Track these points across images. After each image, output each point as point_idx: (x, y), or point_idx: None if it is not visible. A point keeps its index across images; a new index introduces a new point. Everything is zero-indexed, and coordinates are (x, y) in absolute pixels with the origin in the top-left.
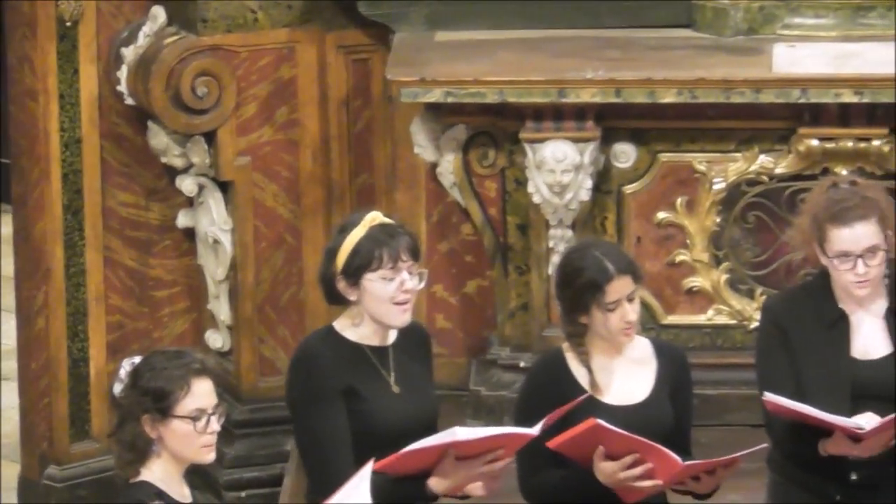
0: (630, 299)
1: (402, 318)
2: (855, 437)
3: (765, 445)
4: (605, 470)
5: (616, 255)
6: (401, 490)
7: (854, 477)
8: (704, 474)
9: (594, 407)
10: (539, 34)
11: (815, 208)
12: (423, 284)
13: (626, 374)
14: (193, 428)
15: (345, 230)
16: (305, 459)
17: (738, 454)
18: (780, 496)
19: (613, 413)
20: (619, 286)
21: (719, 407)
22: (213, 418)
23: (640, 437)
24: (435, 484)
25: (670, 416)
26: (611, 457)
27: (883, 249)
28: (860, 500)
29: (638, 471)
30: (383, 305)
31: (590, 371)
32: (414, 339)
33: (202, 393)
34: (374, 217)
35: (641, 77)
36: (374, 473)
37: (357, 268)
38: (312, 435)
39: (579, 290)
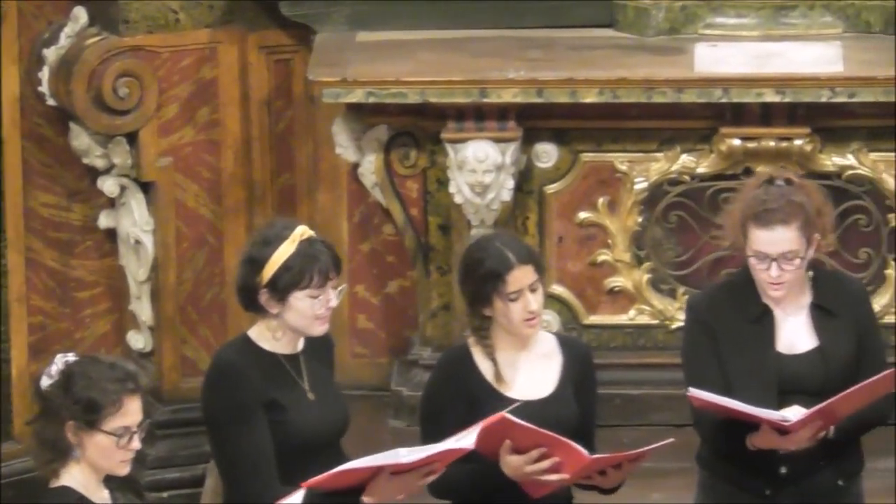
0: (533, 289)
1: (322, 328)
2: (782, 429)
3: (671, 440)
4: (512, 464)
5: (517, 245)
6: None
7: (783, 471)
8: (610, 469)
9: (499, 401)
10: (460, 34)
11: (744, 203)
12: (341, 297)
13: (531, 369)
14: (116, 444)
15: (270, 243)
16: (228, 475)
17: (644, 449)
18: (711, 492)
19: (519, 407)
20: (521, 275)
21: (642, 406)
22: (136, 436)
23: (547, 432)
24: (368, 500)
25: (575, 411)
26: (518, 451)
27: (800, 256)
28: (790, 495)
29: (545, 464)
30: (305, 320)
31: (495, 364)
32: (319, 344)
33: (131, 411)
34: (303, 232)
35: (563, 77)
36: (306, 490)
37: (286, 285)
38: (237, 451)
39: (480, 280)
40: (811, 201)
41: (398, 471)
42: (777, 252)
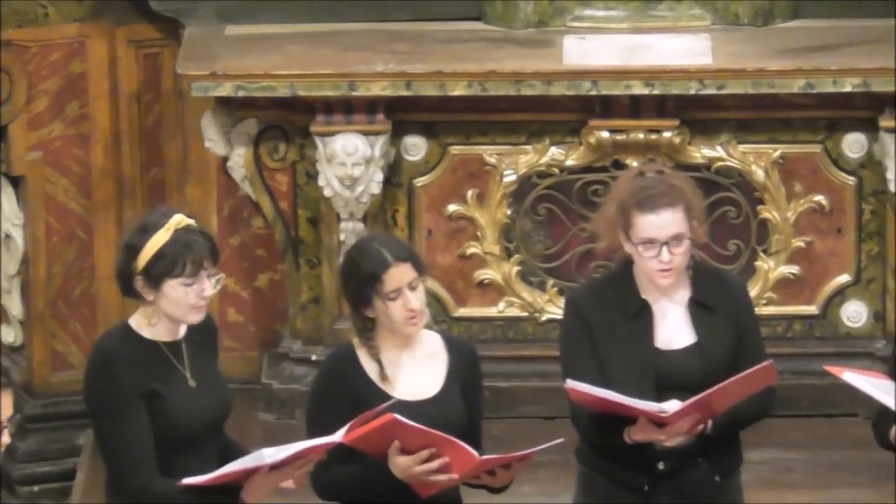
0: (412, 287)
1: (198, 317)
2: (659, 422)
3: (561, 440)
4: (401, 464)
5: (394, 244)
6: (213, 500)
7: (661, 467)
8: (499, 468)
9: (385, 402)
10: (329, 28)
11: (622, 195)
12: (219, 286)
13: (416, 369)
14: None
15: (147, 230)
16: (109, 464)
17: (534, 449)
18: (590, 488)
19: (405, 408)
20: (398, 274)
21: (511, 399)
22: (6, 430)
23: (436, 432)
24: (247, 496)
25: (462, 410)
26: (406, 451)
27: (688, 238)
28: (668, 490)
29: (434, 465)
30: (180, 308)
31: (380, 365)
32: (202, 331)
33: (2, 406)
34: (179, 220)
35: (431, 70)
36: (186, 489)
37: (160, 273)
38: (117, 441)
39: (360, 282)
40: (688, 187)
41: (276, 466)
42: (666, 235)
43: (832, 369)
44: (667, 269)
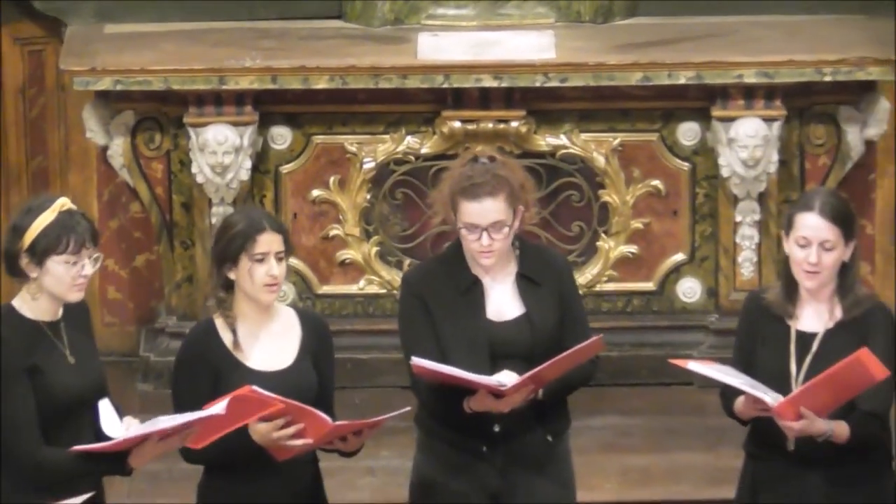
0: (278, 258)
1: (78, 295)
2: (497, 393)
3: (408, 409)
4: (260, 430)
5: (270, 217)
6: (101, 466)
7: (497, 429)
8: (351, 434)
9: (242, 372)
10: (200, 26)
11: (452, 180)
12: (98, 266)
13: (271, 342)
14: None
15: (33, 211)
16: None
17: (382, 417)
18: (429, 452)
19: (260, 378)
20: (269, 240)
21: (371, 370)
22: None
23: (292, 401)
24: (134, 460)
25: (314, 380)
26: (265, 419)
27: (508, 225)
28: (504, 450)
29: (290, 431)
30: (62, 285)
31: (235, 335)
32: (76, 311)
33: None
34: (63, 203)
35: (296, 65)
36: (76, 455)
37: (44, 250)
38: (3, 414)
39: (232, 239)
40: (515, 176)
41: (163, 436)
42: (487, 222)
43: (677, 362)
44: (487, 252)
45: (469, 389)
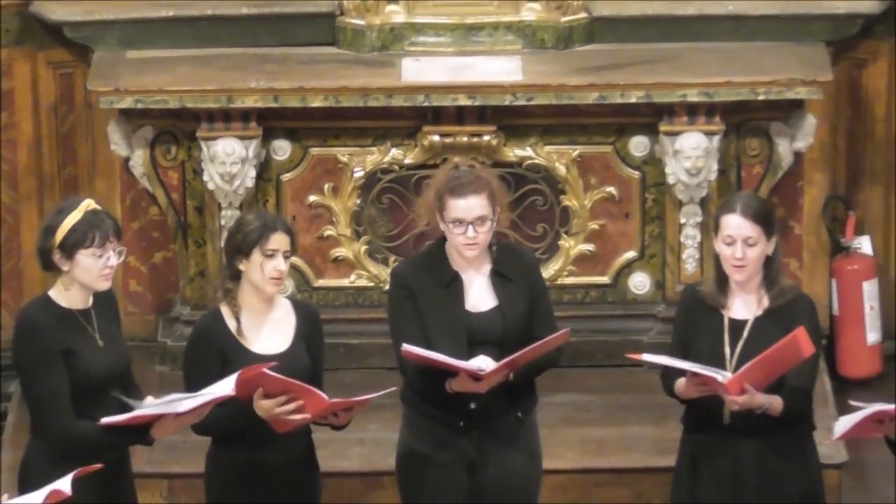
0: (285, 256)
1: (106, 284)
2: (476, 377)
3: (393, 388)
4: (264, 406)
5: (281, 220)
6: (127, 437)
7: (473, 406)
8: (342, 410)
9: (246, 355)
10: (211, 52)
11: (438, 183)
12: (122, 259)
13: (271, 328)
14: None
15: (63, 212)
16: (33, 410)
17: (370, 395)
18: (414, 426)
19: (261, 360)
20: (280, 240)
21: (360, 353)
22: None
23: (294, 381)
24: (156, 432)
25: (308, 362)
26: (268, 396)
27: (490, 220)
28: (479, 424)
29: (290, 406)
30: (91, 276)
31: (238, 322)
32: (105, 300)
33: None
34: (89, 203)
35: (295, 86)
36: (105, 428)
37: (73, 244)
38: (40, 391)
39: (248, 234)
40: (493, 180)
41: (180, 413)
42: (472, 216)
43: (633, 356)
44: (472, 244)
45: (450, 372)
